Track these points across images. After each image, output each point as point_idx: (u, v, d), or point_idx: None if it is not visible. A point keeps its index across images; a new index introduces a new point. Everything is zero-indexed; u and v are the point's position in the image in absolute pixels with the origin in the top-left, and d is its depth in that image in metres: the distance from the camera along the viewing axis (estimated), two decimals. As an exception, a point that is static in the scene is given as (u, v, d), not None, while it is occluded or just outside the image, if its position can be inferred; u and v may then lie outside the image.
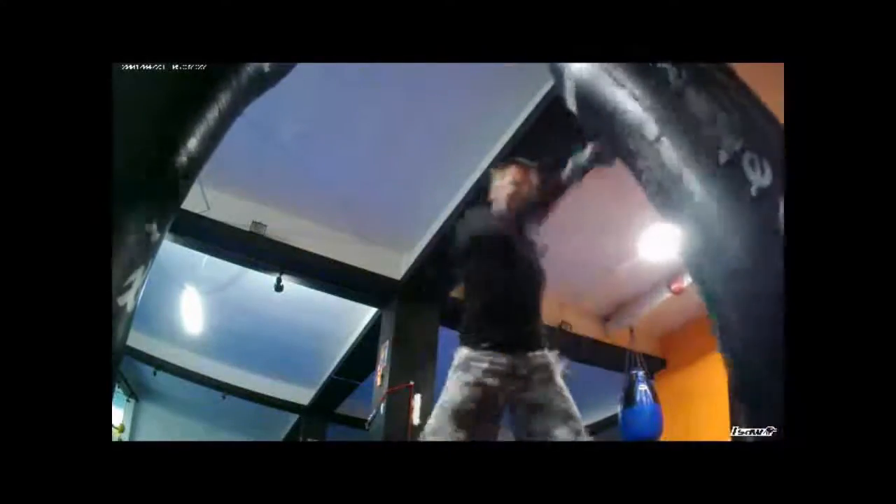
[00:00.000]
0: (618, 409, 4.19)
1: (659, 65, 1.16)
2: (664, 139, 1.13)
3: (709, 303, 1.06)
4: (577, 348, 4.85)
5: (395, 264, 4.38)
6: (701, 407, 4.30)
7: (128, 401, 7.61)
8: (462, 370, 1.70)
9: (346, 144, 3.54)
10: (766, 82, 1.19)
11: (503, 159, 2.06)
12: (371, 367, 4.56)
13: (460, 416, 1.64)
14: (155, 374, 6.51)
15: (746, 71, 1.19)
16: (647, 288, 4.45)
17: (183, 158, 1.17)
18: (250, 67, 1.29)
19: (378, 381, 4.18)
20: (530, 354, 1.76)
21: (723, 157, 1.02)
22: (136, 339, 5.76)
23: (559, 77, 1.40)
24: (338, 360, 5.72)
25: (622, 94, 1.22)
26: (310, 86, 2.89)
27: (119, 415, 7.20)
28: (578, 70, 1.32)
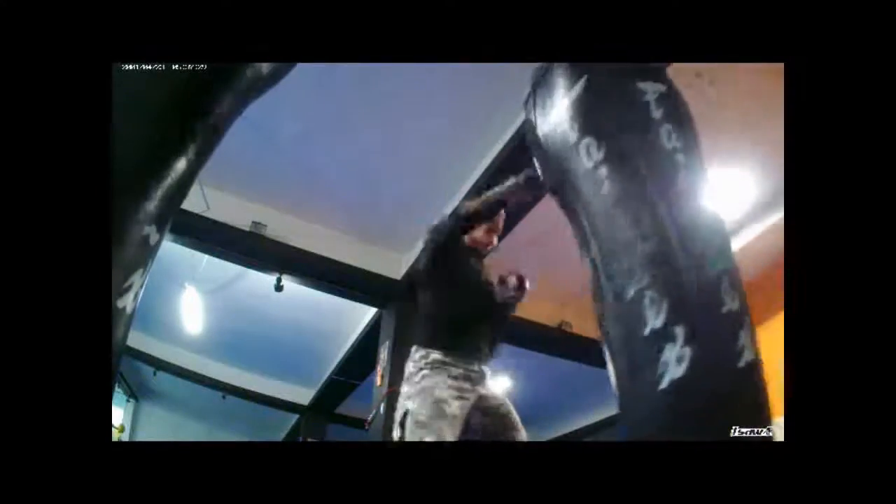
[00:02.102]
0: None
1: (598, 172, 1.15)
2: (597, 261, 1.17)
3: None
4: (577, 348, 4.85)
5: (395, 264, 4.38)
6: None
7: (128, 401, 7.61)
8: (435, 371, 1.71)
9: (346, 145, 3.54)
10: (766, 81, 1.19)
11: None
12: (371, 367, 4.56)
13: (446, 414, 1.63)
14: (155, 374, 6.51)
15: (747, 71, 1.19)
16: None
17: (181, 161, 1.16)
18: (250, 67, 1.29)
19: (378, 381, 4.17)
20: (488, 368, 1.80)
21: (631, 291, 1.04)
22: (136, 339, 5.76)
23: (531, 149, 1.41)
24: (338, 360, 5.72)
25: (574, 198, 1.23)
26: (310, 86, 2.89)
27: (119, 415, 7.19)
28: (541, 153, 1.32)
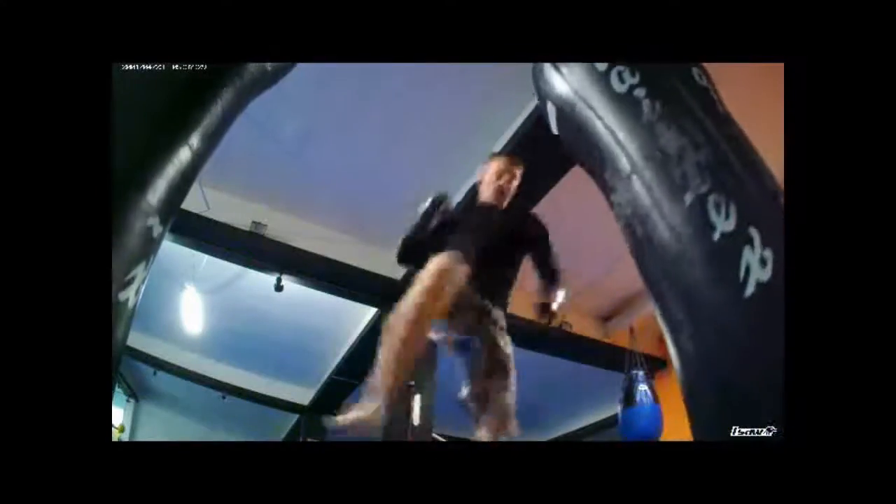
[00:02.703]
0: (618, 409, 4.19)
1: (634, 94, 1.17)
2: (634, 177, 1.13)
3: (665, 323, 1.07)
4: (577, 348, 4.85)
5: (395, 264, 4.37)
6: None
7: (128, 401, 7.61)
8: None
9: (346, 144, 3.54)
10: (765, 82, 1.20)
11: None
12: (371, 367, 4.55)
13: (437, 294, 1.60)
14: (155, 374, 6.51)
15: (747, 71, 1.19)
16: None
17: (184, 156, 1.17)
18: (251, 67, 1.29)
19: (378, 380, 4.17)
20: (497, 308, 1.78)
21: (688, 198, 1.00)
22: (136, 339, 5.75)
23: (542, 101, 1.41)
24: (338, 360, 5.72)
25: (599, 125, 1.23)
26: (310, 86, 2.89)
27: (119, 415, 7.19)
28: (557, 96, 1.32)
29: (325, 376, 6.13)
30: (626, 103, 1.18)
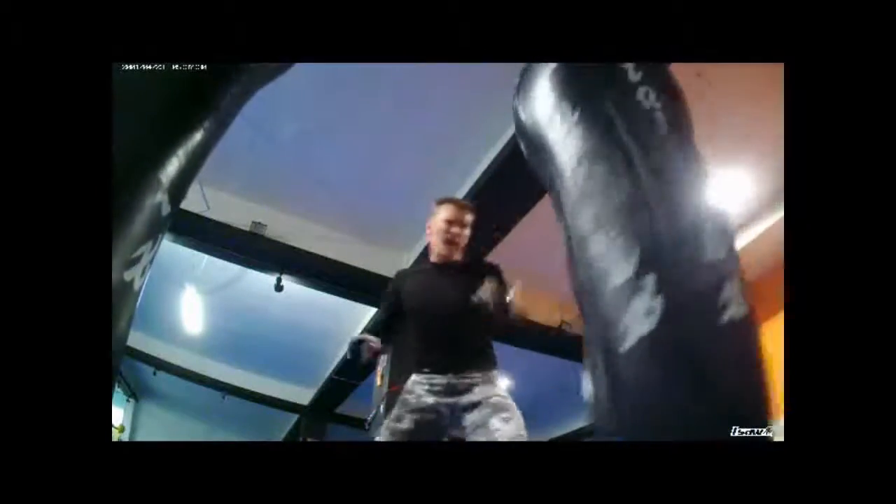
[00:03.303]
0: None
1: (578, 129, 1.12)
2: (569, 212, 1.12)
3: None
4: (577, 348, 4.84)
5: (395, 264, 4.37)
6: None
7: (128, 401, 7.61)
8: (404, 395, 1.74)
9: (346, 145, 3.54)
10: (766, 81, 1.19)
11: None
12: (371, 367, 4.56)
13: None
14: (155, 374, 6.51)
15: (747, 71, 1.19)
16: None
17: (196, 134, 1.16)
18: (251, 66, 1.29)
19: (378, 381, 4.18)
20: (468, 374, 1.73)
21: (601, 237, 0.98)
22: (136, 339, 5.76)
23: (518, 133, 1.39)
24: (338, 360, 5.72)
25: (547, 157, 1.20)
26: (310, 86, 2.89)
27: (119, 415, 7.19)
28: (523, 129, 1.30)
29: (325, 376, 6.13)
30: (567, 142, 1.14)
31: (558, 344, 4.78)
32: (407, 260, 4.32)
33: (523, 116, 1.31)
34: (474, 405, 1.68)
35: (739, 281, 0.88)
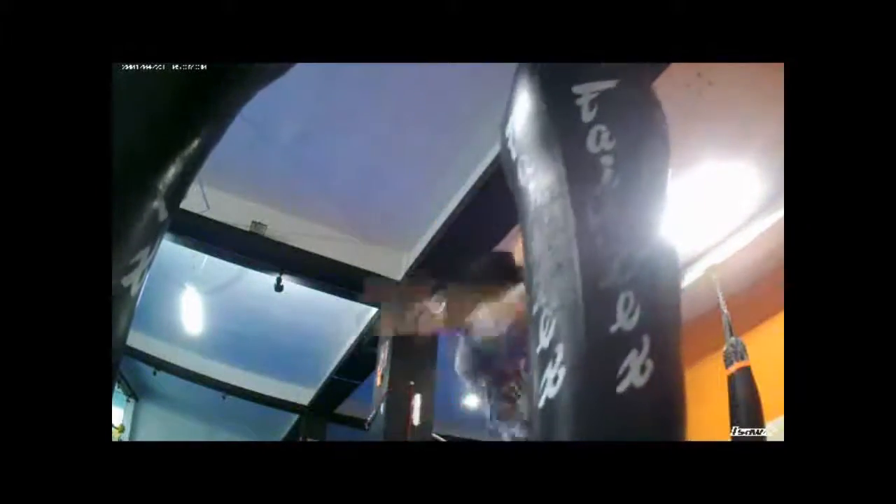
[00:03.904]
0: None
1: (527, 189, 1.10)
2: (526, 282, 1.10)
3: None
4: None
5: (395, 264, 4.38)
6: (699, 407, 4.28)
7: (128, 401, 7.61)
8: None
9: (346, 145, 3.54)
10: (766, 81, 1.19)
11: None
12: (371, 367, 4.56)
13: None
14: (155, 374, 6.51)
15: (747, 71, 1.18)
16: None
17: (193, 139, 1.16)
18: (249, 68, 1.29)
19: (378, 381, 4.18)
20: None
21: (533, 310, 1.00)
22: (136, 339, 5.76)
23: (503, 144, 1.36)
24: (338, 360, 5.72)
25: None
26: (310, 86, 2.89)
27: (119, 415, 7.19)
28: (507, 157, 1.28)
29: (325, 376, 6.13)
30: (524, 200, 1.13)
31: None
32: (407, 260, 4.32)
33: (504, 161, 1.29)
34: None
35: (649, 350, 0.89)
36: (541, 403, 0.93)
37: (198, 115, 1.18)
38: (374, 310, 4.76)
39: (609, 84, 1.14)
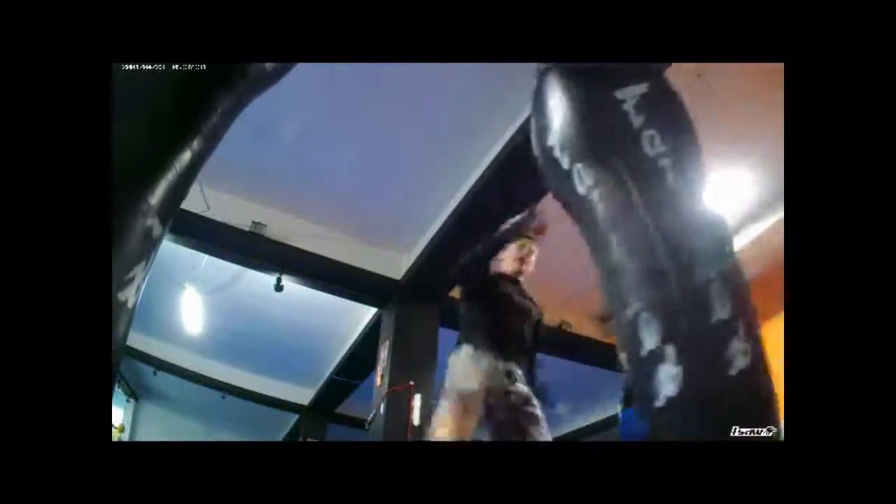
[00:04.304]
0: (618, 409, 4.19)
1: (589, 197, 1.15)
2: (602, 285, 1.16)
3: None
4: (577, 348, 4.85)
5: (395, 264, 4.38)
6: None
7: (128, 401, 7.62)
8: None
9: (346, 145, 3.54)
10: (766, 81, 1.19)
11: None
12: (371, 367, 4.56)
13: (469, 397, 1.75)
14: (155, 374, 6.52)
15: (747, 71, 1.19)
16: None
17: (184, 156, 1.17)
18: (251, 66, 1.29)
19: (378, 381, 4.18)
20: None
21: (629, 313, 1.05)
22: (136, 339, 5.76)
23: (540, 134, 1.37)
24: (338, 360, 5.73)
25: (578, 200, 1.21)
26: (310, 86, 2.89)
27: (119, 415, 7.20)
28: (549, 147, 1.29)
29: (325, 376, 6.13)
30: (586, 208, 1.17)
31: (558, 344, 4.78)
32: (407, 260, 4.32)
33: (542, 166, 1.31)
34: None
35: (746, 332, 0.98)
36: (659, 403, 0.97)
37: (187, 134, 1.18)
38: (373, 310, 4.76)
39: (643, 87, 1.19)
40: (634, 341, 1.04)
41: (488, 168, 3.35)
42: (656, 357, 0.99)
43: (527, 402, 1.82)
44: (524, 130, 3.05)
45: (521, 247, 2.12)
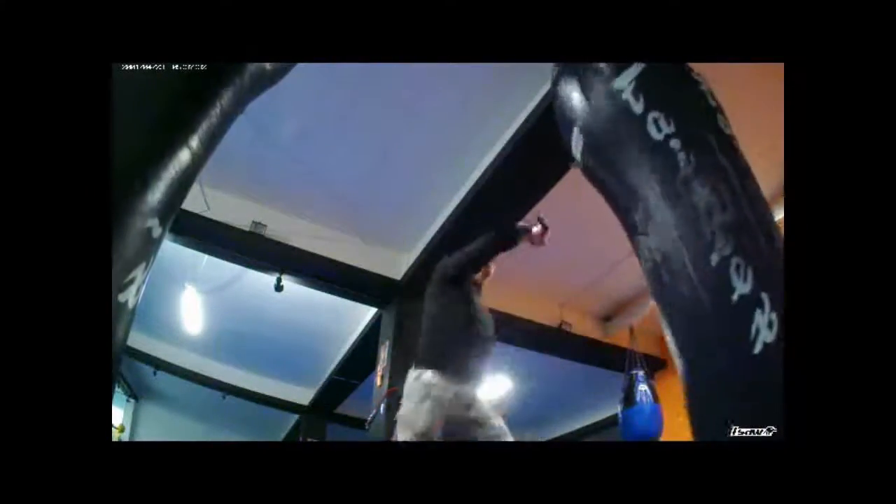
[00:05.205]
0: (618, 409, 4.19)
1: (671, 144, 1.16)
2: (667, 228, 1.15)
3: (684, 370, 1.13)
4: (577, 348, 4.85)
5: (395, 264, 4.37)
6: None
7: (128, 401, 7.61)
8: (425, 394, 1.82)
9: (346, 145, 3.53)
10: (766, 81, 1.20)
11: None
12: (371, 367, 4.56)
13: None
14: (155, 374, 6.51)
15: (747, 71, 1.20)
16: (648, 288, 4.44)
17: (184, 157, 1.17)
18: (251, 66, 1.29)
19: (378, 381, 4.17)
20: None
21: (714, 258, 1.05)
22: (136, 339, 5.75)
23: (568, 124, 1.39)
24: (338, 360, 5.72)
25: (633, 170, 1.22)
26: (310, 86, 2.88)
27: (119, 415, 7.19)
28: (588, 129, 1.32)
29: (325, 376, 6.13)
30: (662, 154, 1.18)
31: (558, 344, 4.77)
32: (407, 260, 4.32)
33: (587, 115, 1.32)
34: None
35: (770, 303, 0.99)
36: (757, 349, 0.96)
37: (187, 135, 1.18)
38: (373, 310, 4.76)
39: (638, 66, 1.22)
40: (721, 286, 1.03)
41: (489, 168, 3.34)
42: (752, 301, 0.98)
43: (486, 422, 1.80)
44: (524, 130, 3.05)
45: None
